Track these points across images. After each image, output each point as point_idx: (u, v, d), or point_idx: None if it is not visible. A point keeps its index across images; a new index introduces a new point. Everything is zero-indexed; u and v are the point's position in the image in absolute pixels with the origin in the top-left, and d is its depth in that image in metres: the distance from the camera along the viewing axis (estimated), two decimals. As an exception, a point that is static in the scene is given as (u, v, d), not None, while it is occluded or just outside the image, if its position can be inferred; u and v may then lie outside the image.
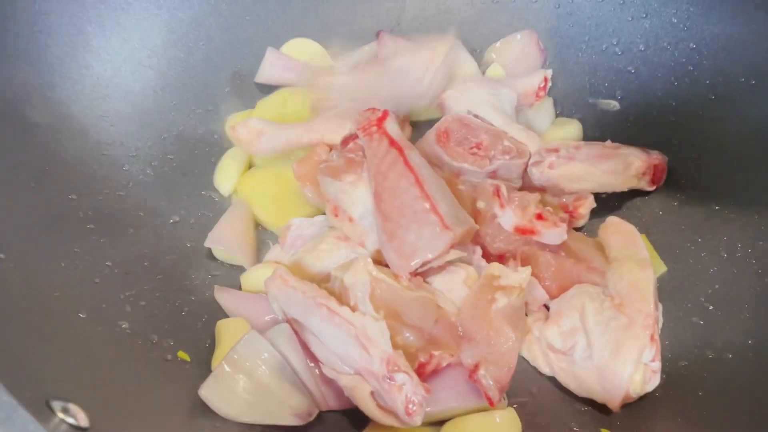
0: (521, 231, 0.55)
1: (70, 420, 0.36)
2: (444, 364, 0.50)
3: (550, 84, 0.71)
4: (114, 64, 0.62)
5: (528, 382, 0.54)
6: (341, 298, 0.50)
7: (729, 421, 0.46)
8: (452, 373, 0.51)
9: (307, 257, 0.56)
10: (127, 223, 0.57)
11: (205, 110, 0.68)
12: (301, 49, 0.74)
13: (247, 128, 0.63)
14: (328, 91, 0.63)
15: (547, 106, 0.73)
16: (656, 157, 0.64)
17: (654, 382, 0.49)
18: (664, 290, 0.58)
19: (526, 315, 0.55)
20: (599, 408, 0.51)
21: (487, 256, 0.57)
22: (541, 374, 0.54)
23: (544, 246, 0.56)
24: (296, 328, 0.50)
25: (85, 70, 0.60)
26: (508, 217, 0.55)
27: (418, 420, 0.45)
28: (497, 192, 0.56)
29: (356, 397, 0.47)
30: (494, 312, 0.50)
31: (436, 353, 0.49)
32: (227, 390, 0.45)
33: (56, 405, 0.36)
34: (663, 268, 0.61)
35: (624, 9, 0.70)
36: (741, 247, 0.57)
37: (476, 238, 0.57)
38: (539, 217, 0.55)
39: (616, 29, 0.71)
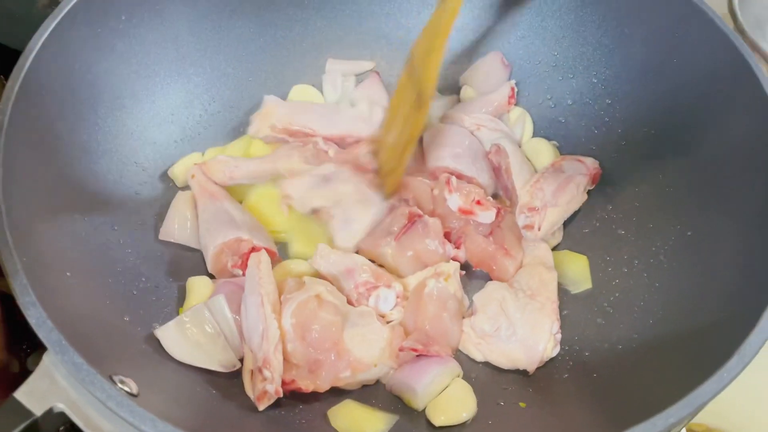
0: (463, 211, 0.74)
1: (126, 388, 0.50)
2: (302, 388, 0.62)
3: (517, 90, 0.86)
4: (144, 121, 0.77)
5: (469, 370, 0.69)
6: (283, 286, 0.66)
7: (614, 394, 0.61)
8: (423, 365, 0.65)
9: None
10: (156, 248, 0.73)
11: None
12: (303, 94, 0.88)
13: (216, 162, 0.77)
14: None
15: (522, 118, 0.86)
16: (592, 167, 0.79)
17: (557, 348, 0.67)
18: (580, 298, 0.74)
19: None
20: (518, 385, 0.66)
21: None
22: (477, 363, 0.69)
23: (478, 228, 0.74)
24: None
25: (122, 126, 0.75)
26: (454, 200, 0.74)
27: (261, 407, 0.60)
28: (448, 181, 0.75)
29: (244, 366, 0.63)
30: (426, 296, 0.66)
31: (300, 382, 0.62)
32: (179, 337, 0.61)
33: (116, 378, 0.51)
34: (589, 285, 0.75)
35: (556, 71, 0.86)
36: (637, 263, 0.72)
37: (434, 213, 0.75)
38: (478, 202, 0.74)
39: (549, 87, 0.87)
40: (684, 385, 0.49)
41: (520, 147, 0.84)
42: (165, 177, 0.78)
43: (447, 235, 0.75)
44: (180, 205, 0.75)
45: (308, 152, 0.78)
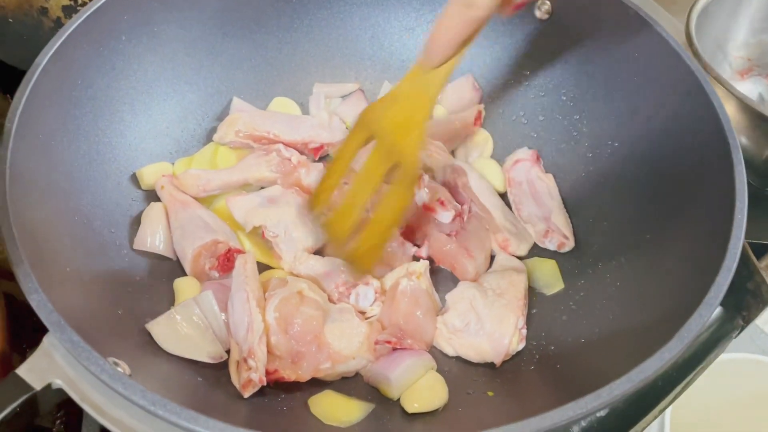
0: (426, 208, 0.79)
1: (119, 369, 0.55)
2: (284, 378, 0.67)
3: (484, 114, 0.92)
4: (141, 133, 0.83)
5: (442, 364, 0.73)
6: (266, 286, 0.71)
7: (573, 380, 0.65)
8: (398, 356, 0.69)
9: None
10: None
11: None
12: (282, 106, 0.94)
13: (188, 176, 0.82)
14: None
15: (484, 143, 0.92)
16: (528, 156, 0.86)
17: (523, 342, 0.71)
18: (548, 299, 0.78)
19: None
20: (487, 377, 0.70)
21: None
22: (450, 358, 0.73)
23: (441, 228, 0.79)
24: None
25: (120, 138, 0.80)
26: (422, 196, 0.79)
27: (246, 394, 0.64)
28: (420, 177, 0.80)
29: (230, 358, 0.68)
30: (400, 293, 0.71)
31: (283, 372, 0.66)
32: (169, 330, 0.66)
33: (109, 360, 0.55)
34: (561, 286, 0.80)
35: (528, 89, 0.92)
36: (601, 266, 0.77)
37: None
38: (441, 202, 0.78)
39: (522, 104, 0.92)
40: (631, 366, 0.53)
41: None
42: (159, 185, 0.83)
43: (408, 232, 0.79)
44: (152, 216, 0.78)
45: (273, 161, 0.83)
